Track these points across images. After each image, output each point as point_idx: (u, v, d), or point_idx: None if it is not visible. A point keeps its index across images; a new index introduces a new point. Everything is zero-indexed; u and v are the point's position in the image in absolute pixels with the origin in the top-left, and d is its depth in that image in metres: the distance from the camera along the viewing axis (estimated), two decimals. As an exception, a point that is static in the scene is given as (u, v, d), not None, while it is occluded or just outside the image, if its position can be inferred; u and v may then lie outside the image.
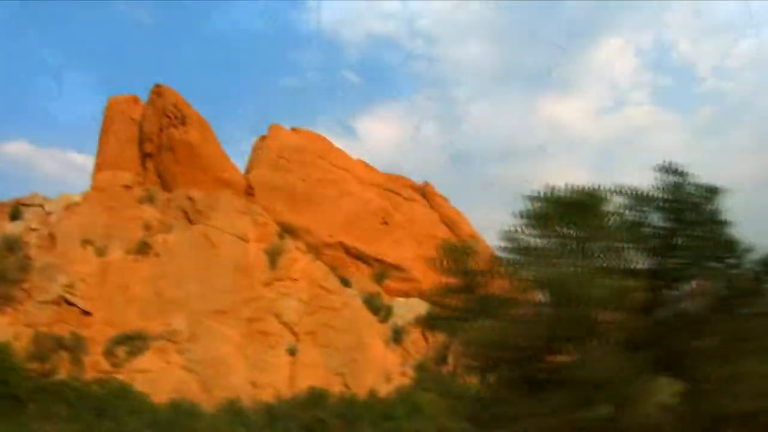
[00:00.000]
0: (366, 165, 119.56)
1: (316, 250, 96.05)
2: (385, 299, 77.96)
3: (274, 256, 54.05)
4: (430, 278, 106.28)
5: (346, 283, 71.66)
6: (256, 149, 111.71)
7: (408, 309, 75.46)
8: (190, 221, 58.35)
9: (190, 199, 60.49)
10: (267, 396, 47.04)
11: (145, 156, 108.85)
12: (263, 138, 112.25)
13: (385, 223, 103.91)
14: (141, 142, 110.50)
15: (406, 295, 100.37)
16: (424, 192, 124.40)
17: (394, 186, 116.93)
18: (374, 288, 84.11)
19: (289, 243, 57.60)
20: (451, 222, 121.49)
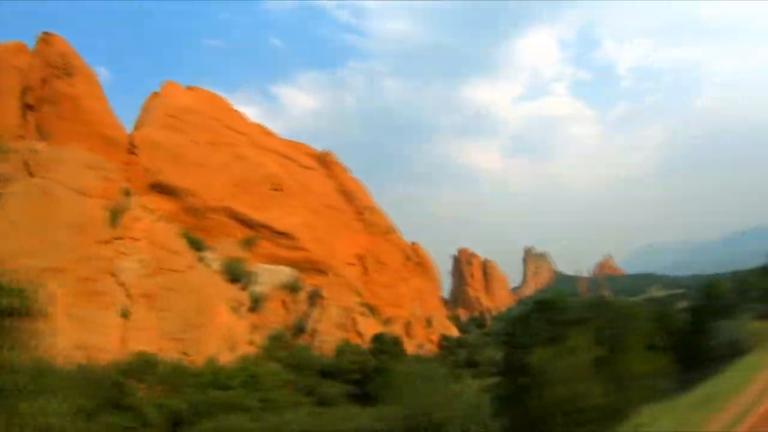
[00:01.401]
0: (264, 129, 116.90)
1: (200, 214, 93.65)
2: (251, 266, 76.21)
3: (117, 214, 51.36)
4: (321, 248, 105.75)
5: (198, 245, 69.26)
6: (146, 106, 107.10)
7: (272, 276, 74.14)
8: (31, 174, 55.06)
9: (33, 151, 56.92)
10: (95, 359, 45.08)
11: (26, 107, 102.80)
12: (155, 95, 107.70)
13: (277, 189, 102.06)
14: (23, 93, 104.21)
15: (294, 264, 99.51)
16: (324, 161, 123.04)
17: (292, 153, 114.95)
18: (242, 254, 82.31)
19: (135, 201, 54.95)
20: (348, 192, 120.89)
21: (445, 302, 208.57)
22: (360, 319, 72.25)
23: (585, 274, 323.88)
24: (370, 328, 71.27)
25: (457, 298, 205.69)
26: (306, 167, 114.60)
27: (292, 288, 73.24)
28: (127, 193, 56.43)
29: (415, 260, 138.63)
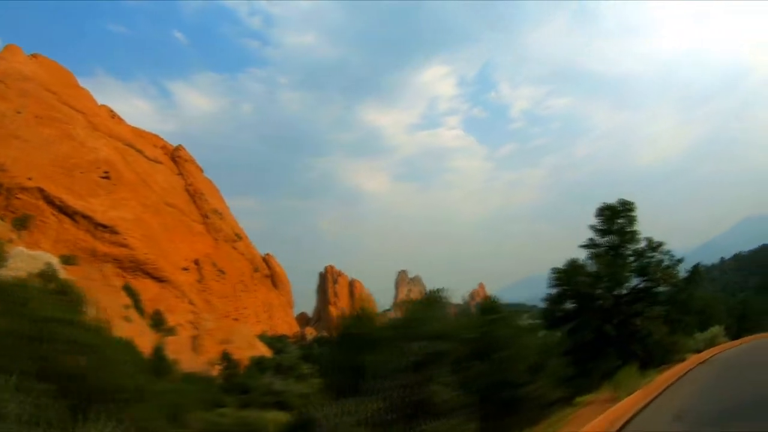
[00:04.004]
0: (111, 113, 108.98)
1: (6, 191, 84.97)
2: (11, 249, 68.40)
3: None
4: (150, 247, 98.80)
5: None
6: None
7: (29, 262, 66.54)
8: None
9: None
10: None
11: None
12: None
13: (107, 178, 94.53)
14: None
15: (115, 261, 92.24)
16: (175, 156, 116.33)
17: (138, 142, 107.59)
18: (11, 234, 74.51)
19: None
20: (196, 192, 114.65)
21: (308, 319, 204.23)
22: (122, 323, 65.86)
23: (457, 301, 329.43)
24: (133, 335, 64.50)
25: (321, 317, 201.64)
26: (151, 160, 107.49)
27: (46, 278, 65.69)
28: None
29: (265, 272, 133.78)
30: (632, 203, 34.38)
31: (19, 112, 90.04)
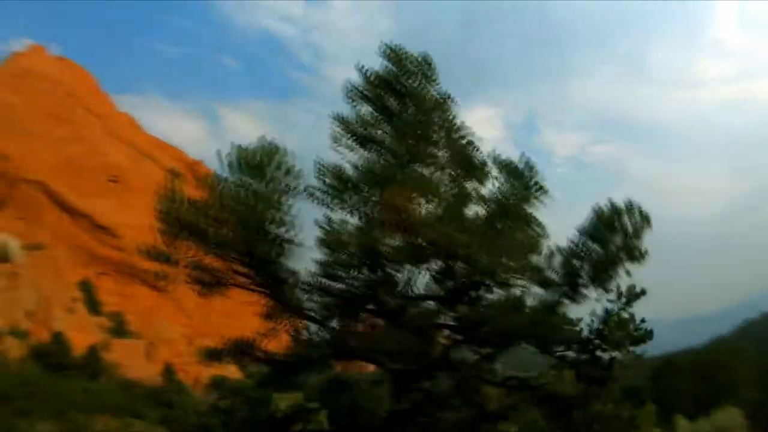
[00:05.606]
0: (131, 121, 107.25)
1: (10, 181, 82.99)
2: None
3: None
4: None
5: None
6: (1, 64, 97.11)
7: None
8: None
9: None
10: None
11: None
12: (17, 55, 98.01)
13: (114, 181, 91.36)
14: None
15: (113, 264, 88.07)
16: (194, 170, 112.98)
17: (156, 152, 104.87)
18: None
19: None
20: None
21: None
22: (63, 315, 58.85)
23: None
24: (80, 330, 57.35)
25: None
26: (167, 170, 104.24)
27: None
28: None
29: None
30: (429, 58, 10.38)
31: (33, 109, 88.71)
